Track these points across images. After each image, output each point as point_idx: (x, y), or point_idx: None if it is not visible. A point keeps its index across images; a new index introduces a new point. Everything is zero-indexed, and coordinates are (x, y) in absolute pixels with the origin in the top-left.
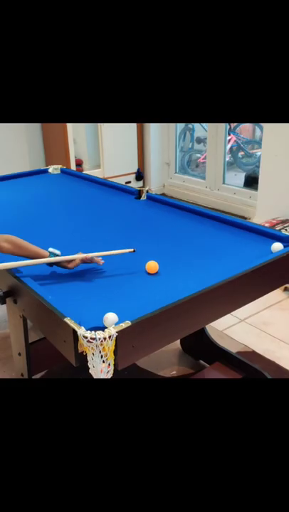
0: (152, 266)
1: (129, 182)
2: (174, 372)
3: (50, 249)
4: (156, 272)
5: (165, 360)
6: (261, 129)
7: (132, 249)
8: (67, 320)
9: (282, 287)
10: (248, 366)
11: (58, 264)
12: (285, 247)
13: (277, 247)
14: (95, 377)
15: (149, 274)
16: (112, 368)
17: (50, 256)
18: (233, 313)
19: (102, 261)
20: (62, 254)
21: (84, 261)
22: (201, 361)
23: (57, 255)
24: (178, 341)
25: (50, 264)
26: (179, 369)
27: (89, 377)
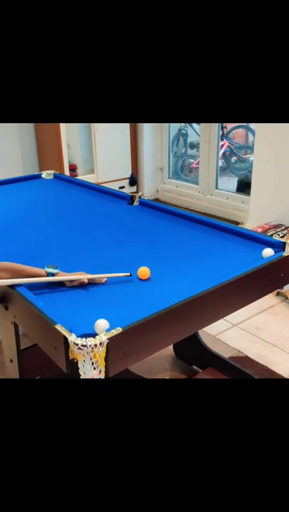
0: (144, 272)
1: (123, 187)
2: (167, 377)
3: (47, 270)
4: (148, 278)
5: (158, 365)
6: (254, 134)
7: (129, 274)
8: (58, 327)
9: (275, 292)
10: (240, 371)
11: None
12: (276, 252)
13: (268, 252)
14: None
15: (140, 279)
16: (103, 374)
17: (48, 276)
18: (226, 318)
19: (105, 279)
20: (55, 262)
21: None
22: (194, 366)
23: (54, 274)
24: (171, 346)
25: (48, 284)
26: (171, 374)
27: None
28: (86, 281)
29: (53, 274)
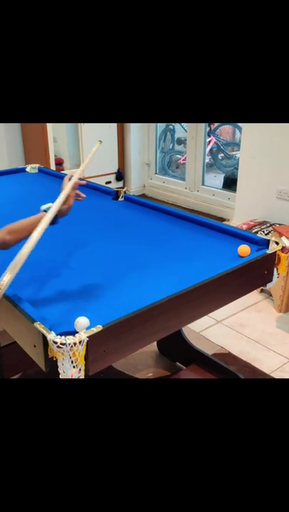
0: (244, 250)
1: (110, 182)
2: (151, 374)
3: (43, 207)
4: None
5: (142, 362)
6: (241, 130)
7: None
8: (37, 325)
9: (259, 289)
10: (223, 368)
11: (59, 216)
12: (259, 250)
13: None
14: None
15: (241, 256)
16: (82, 373)
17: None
18: (210, 314)
19: (84, 195)
20: (36, 258)
21: (74, 189)
22: (178, 363)
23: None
24: (155, 343)
25: (53, 222)
26: (155, 371)
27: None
28: (78, 181)
29: (49, 208)
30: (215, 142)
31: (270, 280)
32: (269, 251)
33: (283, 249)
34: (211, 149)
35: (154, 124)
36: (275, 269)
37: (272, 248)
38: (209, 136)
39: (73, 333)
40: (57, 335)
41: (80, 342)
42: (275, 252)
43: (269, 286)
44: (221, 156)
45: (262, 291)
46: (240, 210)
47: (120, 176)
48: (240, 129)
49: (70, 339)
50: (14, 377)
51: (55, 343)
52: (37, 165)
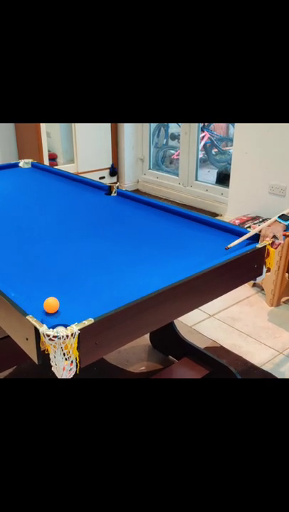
0: (51, 304)
1: (104, 177)
2: (143, 368)
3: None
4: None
5: (135, 355)
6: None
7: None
8: (29, 318)
9: (251, 283)
10: (214, 361)
11: None
12: (249, 244)
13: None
14: (57, 374)
15: (47, 312)
16: (74, 365)
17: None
18: (203, 308)
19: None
20: (28, 255)
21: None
22: (170, 357)
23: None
24: (147, 337)
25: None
26: (148, 365)
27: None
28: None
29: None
30: (209, 137)
31: (260, 274)
32: (259, 245)
33: (273, 243)
34: (204, 144)
35: None
36: (264, 263)
37: (262, 242)
38: (203, 131)
39: (65, 326)
40: (49, 328)
41: (72, 335)
42: (265, 246)
43: (259, 280)
44: (214, 151)
45: (254, 285)
46: (233, 205)
47: (114, 171)
48: (234, 124)
49: (62, 332)
50: (8, 370)
51: (48, 335)
52: (30, 160)
